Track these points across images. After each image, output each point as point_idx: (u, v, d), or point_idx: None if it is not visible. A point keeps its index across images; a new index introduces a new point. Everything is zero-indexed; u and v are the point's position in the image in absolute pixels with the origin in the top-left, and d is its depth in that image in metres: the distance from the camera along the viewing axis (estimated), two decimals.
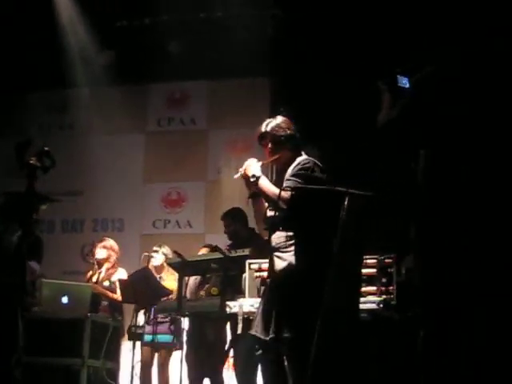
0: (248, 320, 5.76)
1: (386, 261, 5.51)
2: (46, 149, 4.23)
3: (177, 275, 7.64)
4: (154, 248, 8.30)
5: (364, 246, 4.55)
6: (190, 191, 10.58)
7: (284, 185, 4.86)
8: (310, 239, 4.80)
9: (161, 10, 10.02)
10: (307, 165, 4.93)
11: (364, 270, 5.23)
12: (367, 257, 5.30)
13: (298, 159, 4.99)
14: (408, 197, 4.04)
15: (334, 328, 4.26)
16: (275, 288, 4.87)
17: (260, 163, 5.04)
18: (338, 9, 8.85)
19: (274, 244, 4.95)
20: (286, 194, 4.80)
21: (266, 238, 5.11)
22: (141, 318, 8.03)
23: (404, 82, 4.04)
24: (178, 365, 7.41)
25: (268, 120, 5.16)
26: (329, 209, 4.58)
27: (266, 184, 4.95)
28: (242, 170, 5.02)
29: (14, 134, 10.05)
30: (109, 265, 8.33)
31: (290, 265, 4.78)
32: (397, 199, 4.56)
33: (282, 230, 4.91)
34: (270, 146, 5.06)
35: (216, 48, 10.02)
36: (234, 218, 7.55)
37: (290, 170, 4.94)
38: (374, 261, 5.44)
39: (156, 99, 11.09)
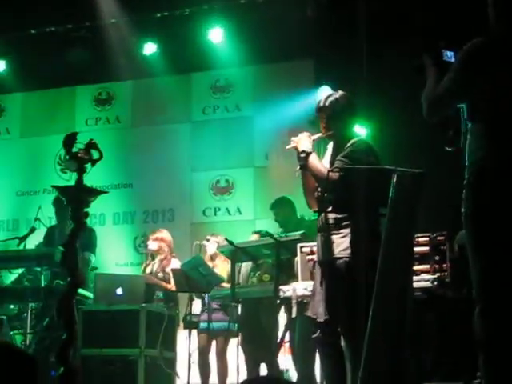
0: (302, 303, 5.76)
1: (439, 238, 5.46)
2: (92, 141, 4.25)
3: (230, 262, 7.69)
4: (207, 237, 8.32)
5: (416, 223, 4.48)
6: (238, 178, 10.58)
7: (336, 164, 4.81)
8: (360, 221, 4.75)
9: None
10: (361, 147, 4.86)
11: (417, 248, 5.15)
12: (419, 235, 5.24)
13: (354, 141, 4.90)
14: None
15: (389, 307, 4.22)
16: (329, 272, 4.84)
17: (313, 137, 4.99)
18: None
19: (324, 224, 4.92)
20: (333, 175, 4.75)
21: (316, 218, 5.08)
22: (196, 307, 8.09)
23: (449, 56, 3.98)
24: (235, 351, 7.43)
25: (328, 93, 5.08)
26: (379, 189, 4.52)
27: (315, 162, 4.88)
28: (294, 142, 4.97)
29: (61, 129, 10.20)
30: (162, 256, 8.38)
31: (341, 249, 4.75)
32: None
33: (332, 212, 4.87)
34: (325, 120, 5.00)
35: (257, 33, 9.97)
36: (282, 207, 7.56)
37: (343, 150, 4.85)
38: (427, 238, 5.39)
39: (200, 88, 11.09)
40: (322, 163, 4.92)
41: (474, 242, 3.72)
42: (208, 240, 8.26)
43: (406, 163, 4.57)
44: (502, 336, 3.56)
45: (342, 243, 4.76)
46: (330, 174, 4.75)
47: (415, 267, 5.13)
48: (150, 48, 10.64)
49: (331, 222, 4.84)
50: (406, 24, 8.32)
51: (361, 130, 9.36)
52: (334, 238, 4.81)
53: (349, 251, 4.72)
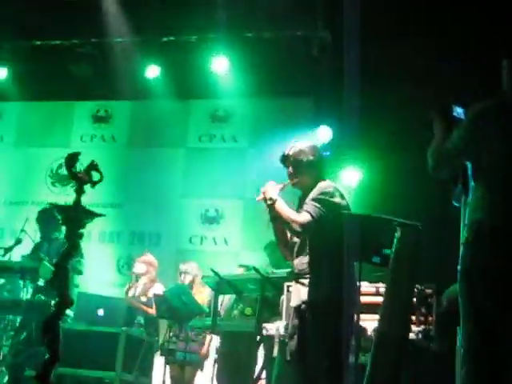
0: (284, 343, 5.74)
1: (427, 291, 5.47)
2: (94, 163, 4.24)
3: (207, 292, 7.68)
4: (180, 265, 8.36)
5: (417, 275, 4.52)
6: (228, 208, 10.58)
7: (303, 208, 4.86)
8: (329, 265, 4.77)
9: (208, 28, 10.05)
10: (327, 189, 4.91)
11: None
12: None
13: (320, 184, 4.97)
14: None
15: (387, 354, 4.24)
16: (305, 315, 4.85)
17: (279, 186, 5.03)
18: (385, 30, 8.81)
19: (297, 270, 4.95)
20: (302, 218, 4.80)
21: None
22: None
23: (459, 112, 4.01)
24: (208, 382, 7.38)
25: (293, 143, 5.15)
26: (347, 233, 4.58)
27: (282, 207, 4.91)
28: (262, 192, 5.01)
29: (56, 142, 10.19)
30: (146, 279, 8.35)
31: (312, 293, 4.78)
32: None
33: (304, 256, 4.91)
34: (290, 169, 5.06)
35: (260, 66, 10.02)
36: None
37: (310, 195, 4.92)
38: (415, 290, 5.39)
39: (198, 115, 11.11)
40: (288, 208, 4.96)
41: (466, 301, 3.73)
42: (180, 268, 8.29)
43: (394, 210, 4.60)
44: None
45: (306, 290, 4.81)
46: (298, 217, 4.81)
47: None
48: (152, 71, 10.65)
49: (304, 266, 4.91)
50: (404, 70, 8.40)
51: (354, 174, 9.45)
52: (306, 282, 4.86)
53: (312, 297, 4.76)
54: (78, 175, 4.18)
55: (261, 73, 10.04)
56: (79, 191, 4.17)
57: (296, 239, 5.02)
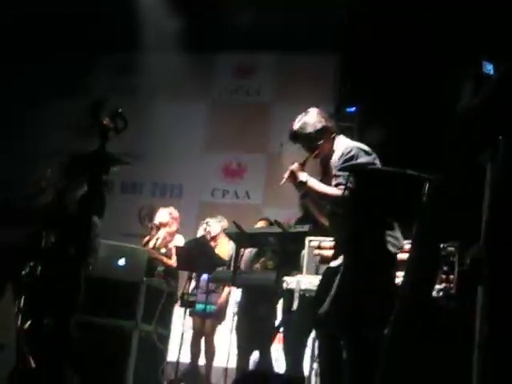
0: (304, 297, 5.74)
1: (449, 249, 5.42)
2: (119, 110, 4.20)
3: (229, 246, 7.68)
4: (207, 220, 8.33)
5: (441, 232, 4.46)
6: (250, 162, 10.55)
7: (334, 182, 4.80)
8: (370, 231, 4.73)
9: None
10: (350, 154, 4.83)
11: None
12: None
13: (339, 147, 4.90)
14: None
15: (409, 315, 4.21)
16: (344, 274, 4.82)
17: (302, 163, 4.95)
18: None
19: (332, 232, 4.95)
20: (338, 192, 4.73)
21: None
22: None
23: (489, 69, 3.92)
24: (227, 335, 7.41)
25: (296, 120, 5.03)
26: (393, 195, 4.50)
27: (315, 186, 4.88)
28: (286, 176, 4.96)
29: (79, 95, 10.16)
30: (167, 231, 8.34)
31: (353, 259, 4.75)
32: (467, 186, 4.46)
33: (343, 224, 4.87)
34: (303, 144, 4.99)
35: (288, 20, 9.91)
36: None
37: (334, 161, 4.85)
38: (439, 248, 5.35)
39: (222, 69, 11.05)
40: (320, 184, 4.91)
41: (490, 257, 3.67)
42: (208, 223, 8.25)
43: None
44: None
45: (354, 255, 4.77)
46: (334, 190, 4.75)
47: None
48: (175, 23, 10.57)
49: (338, 231, 4.91)
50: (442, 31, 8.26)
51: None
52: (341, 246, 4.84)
53: (354, 259, 4.73)
54: (102, 122, 4.14)
55: (288, 26, 9.93)
56: (104, 138, 4.14)
57: (329, 209, 4.97)
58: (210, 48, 10.79)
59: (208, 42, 10.57)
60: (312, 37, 9.79)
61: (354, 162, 4.78)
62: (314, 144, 4.95)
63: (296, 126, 4.98)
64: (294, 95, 10.27)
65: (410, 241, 4.60)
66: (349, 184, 4.65)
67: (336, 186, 4.76)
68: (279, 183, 5.02)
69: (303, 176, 4.89)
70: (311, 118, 4.98)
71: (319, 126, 4.96)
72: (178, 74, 10.79)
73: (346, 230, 4.81)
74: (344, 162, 4.79)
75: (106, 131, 4.08)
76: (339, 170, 4.79)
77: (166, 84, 11.02)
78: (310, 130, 4.94)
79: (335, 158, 4.86)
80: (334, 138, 4.99)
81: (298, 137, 4.99)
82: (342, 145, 4.94)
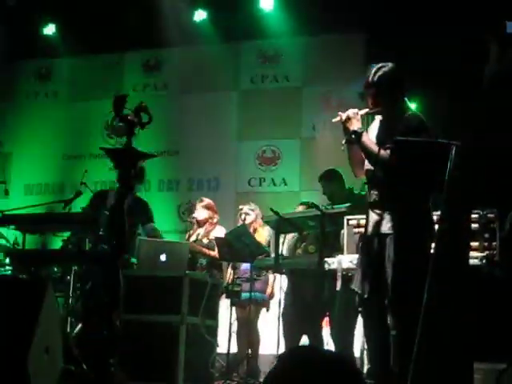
0: (347, 276, 5.70)
1: (489, 215, 5.34)
2: (143, 104, 4.21)
3: (268, 232, 7.67)
4: (244, 205, 8.33)
5: (473, 199, 4.39)
6: (284, 148, 10.52)
7: (388, 145, 4.68)
8: (412, 198, 4.66)
9: None
10: (414, 123, 4.73)
11: None
12: None
13: (405, 115, 4.79)
14: None
15: (444, 284, 4.15)
16: (378, 248, 4.75)
17: (361, 113, 4.87)
18: None
19: (373, 199, 4.84)
20: (385, 154, 4.66)
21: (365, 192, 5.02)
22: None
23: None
24: (274, 322, 7.39)
25: (376, 67, 4.91)
26: (432, 165, 4.41)
27: (367, 142, 4.78)
28: (342, 117, 4.85)
29: (109, 94, 10.18)
30: (209, 225, 8.37)
31: (390, 226, 4.67)
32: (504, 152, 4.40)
33: (383, 188, 4.79)
34: (373, 95, 4.86)
35: (310, 4, 9.84)
36: (330, 180, 7.42)
37: (400, 126, 4.71)
38: (476, 216, 5.28)
39: (249, 57, 11.01)
40: (373, 142, 4.81)
41: None
42: (242, 209, 8.25)
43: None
44: None
45: (391, 220, 4.68)
46: (382, 152, 4.65)
47: None
48: (200, 15, 10.63)
49: (381, 198, 4.78)
50: None
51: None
52: (385, 214, 4.72)
53: (397, 228, 4.64)
54: (127, 117, 4.15)
55: (311, 9, 9.86)
56: (129, 133, 4.15)
57: (368, 166, 4.88)
58: (234, 37, 10.73)
59: (231, 32, 10.54)
60: (338, 18, 9.71)
61: (417, 135, 4.62)
62: (383, 98, 4.84)
63: (375, 75, 4.84)
64: (324, 77, 10.24)
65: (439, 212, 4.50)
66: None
67: (388, 149, 4.65)
68: (334, 120, 4.88)
69: (359, 126, 4.81)
70: (392, 73, 4.86)
71: (397, 82, 4.87)
72: (204, 66, 10.81)
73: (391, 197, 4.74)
74: (409, 131, 4.65)
75: (131, 125, 4.09)
76: (401, 134, 4.61)
77: (193, 77, 11.04)
78: (387, 82, 4.82)
79: (402, 122, 4.74)
80: (400, 101, 4.89)
81: (372, 86, 4.85)
82: (408, 112, 4.85)
